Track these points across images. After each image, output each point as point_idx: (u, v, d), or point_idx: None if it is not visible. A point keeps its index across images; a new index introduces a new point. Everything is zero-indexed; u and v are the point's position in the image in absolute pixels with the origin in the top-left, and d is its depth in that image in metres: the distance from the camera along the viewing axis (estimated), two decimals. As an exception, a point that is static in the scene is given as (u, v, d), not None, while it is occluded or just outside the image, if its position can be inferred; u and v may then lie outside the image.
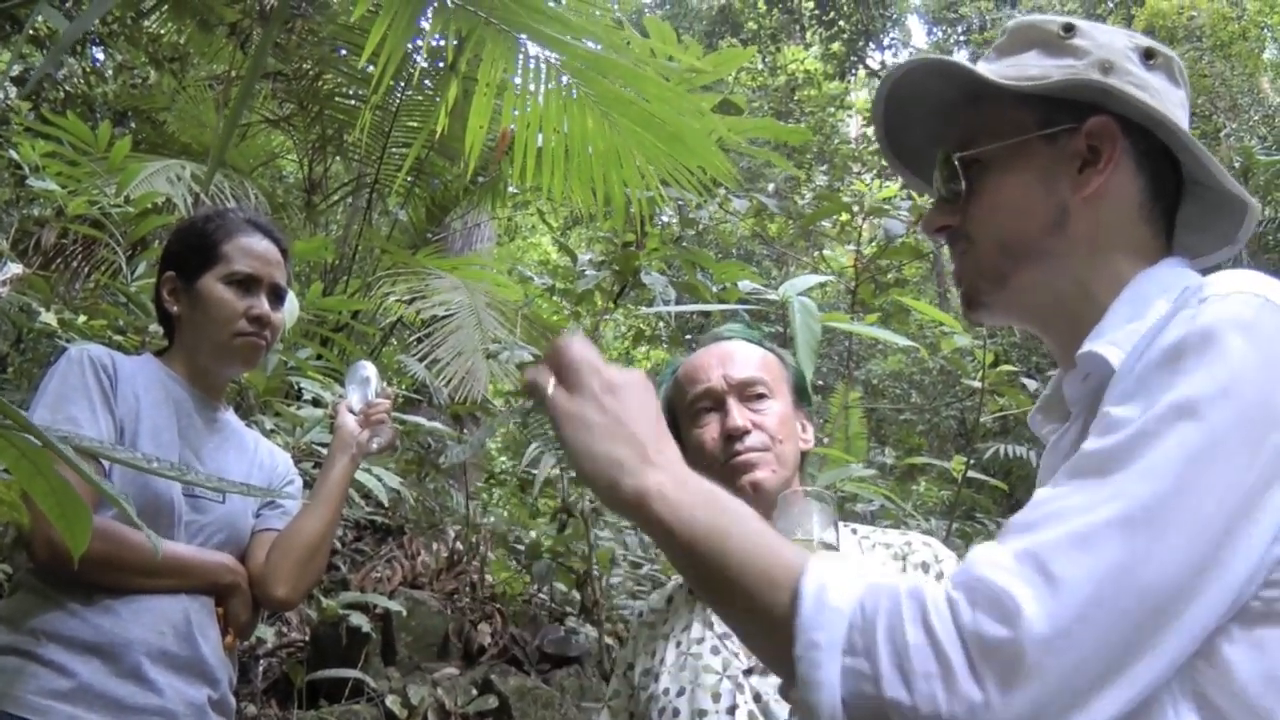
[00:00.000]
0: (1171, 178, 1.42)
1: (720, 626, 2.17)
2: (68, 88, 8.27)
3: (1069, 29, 1.44)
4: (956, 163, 1.46)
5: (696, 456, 2.26)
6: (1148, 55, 1.43)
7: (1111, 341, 1.28)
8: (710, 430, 2.25)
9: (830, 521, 1.63)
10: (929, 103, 1.52)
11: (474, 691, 5.00)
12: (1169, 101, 1.40)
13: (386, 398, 2.85)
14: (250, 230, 2.71)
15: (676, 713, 2.11)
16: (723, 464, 2.21)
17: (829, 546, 1.61)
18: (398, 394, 6.74)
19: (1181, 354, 1.11)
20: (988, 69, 1.46)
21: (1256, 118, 17.31)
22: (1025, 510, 1.11)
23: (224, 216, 2.75)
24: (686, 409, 2.31)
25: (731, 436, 2.22)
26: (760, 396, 2.28)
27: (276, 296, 2.71)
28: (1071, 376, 1.35)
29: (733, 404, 2.26)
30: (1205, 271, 1.34)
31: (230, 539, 2.61)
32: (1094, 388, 1.30)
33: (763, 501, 2.13)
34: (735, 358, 2.32)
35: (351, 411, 2.80)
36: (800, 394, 2.39)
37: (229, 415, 2.79)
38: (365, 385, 2.85)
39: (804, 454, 2.33)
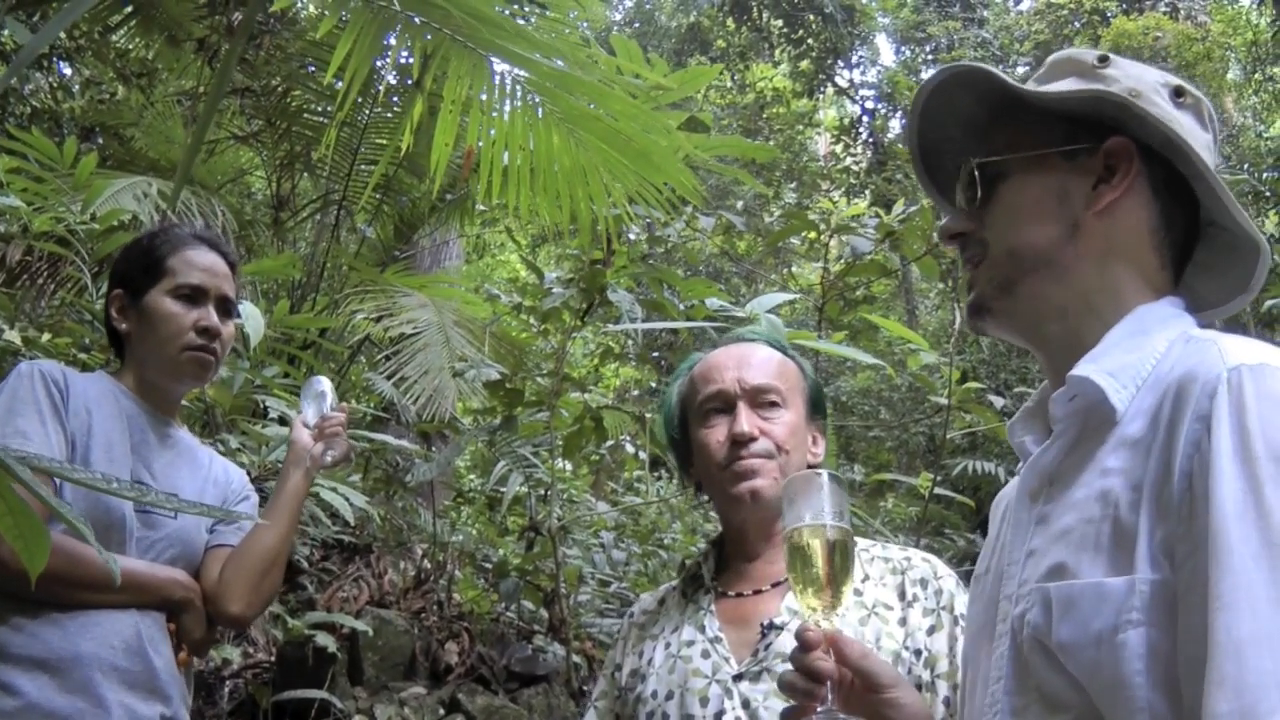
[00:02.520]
0: (1185, 213, 1.44)
1: (711, 630, 2.15)
2: (34, 103, 8.22)
3: (1104, 60, 1.48)
4: (976, 171, 1.49)
5: (701, 457, 2.27)
6: (1177, 94, 1.46)
7: (1108, 371, 1.31)
8: (717, 433, 2.23)
9: (842, 504, 1.62)
10: (961, 118, 1.55)
11: (441, 711, 4.98)
12: (1194, 141, 1.42)
13: (342, 412, 2.83)
14: (196, 244, 2.69)
15: (665, 717, 2.10)
16: (724, 468, 2.20)
17: (841, 529, 1.60)
18: (365, 411, 6.73)
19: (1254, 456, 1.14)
20: (1030, 89, 1.49)
21: (1221, 137, 17.44)
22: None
23: (169, 232, 2.74)
24: (697, 408, 2.30)
25: (738, 441, 2.19)
26: (773, 404, 2.25)
27: (225, 309, 2.69)
28: (1059, 394, 1.36)
29: (743, 408, 2.23)
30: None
31: (183, 554, 2.58)
32: (1080, 409, 1.34)
33: (761, 510, 2.15)
34: (752, 361, 2.29)
35: (306, 426, 2.79)
36: (816, 406, 2.35)
37: (182, 432, 2.77)
38: (320, 400, 2.83)
39: (812, 468, 2.26)
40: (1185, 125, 1.43)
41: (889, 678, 1.52)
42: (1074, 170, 1.43)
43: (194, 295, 2.62)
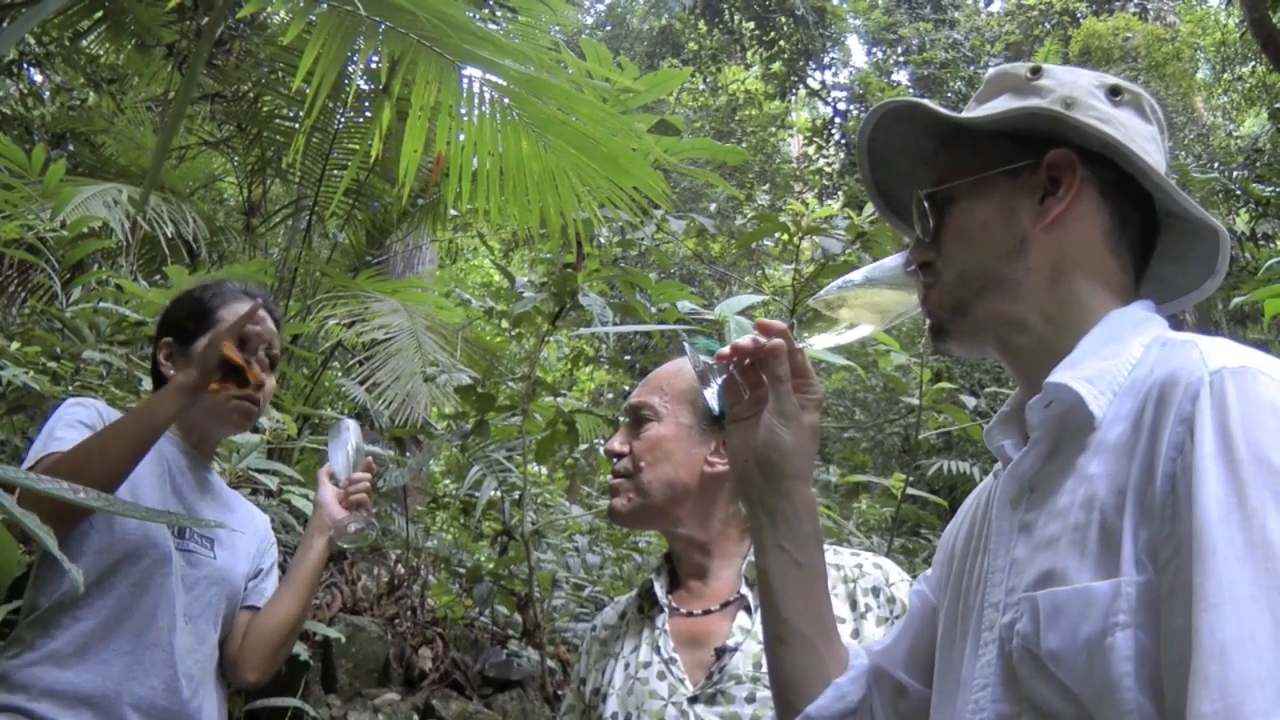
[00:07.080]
0: (1139, 209, 1.44)
1: (666, 650, 2.15)
2: (4, 110, 8.17)
3: (1036, 71, 1.48)
4: (925, 201, 1.50)
5: None
6: (1114, 92, 1.46)
7: (1085, 378, 1.31)
8: None
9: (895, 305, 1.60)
10: (909, 151, 1.57)
11: (415, 717, 4.97)
12: (1137, 135, 1.43)
13: (368, 469, 2.82)
14: (245, 299, 2.76)
15: None
16: None
17: (835, 302, 1.58)
18: (336, 418, 6.71)
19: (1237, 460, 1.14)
20: (963, 115, 1.50)
21: (1191, 136, 17.62)
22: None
23: (221, 286, 2.83)
24: None
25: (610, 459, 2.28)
26: (643, 420, 2.27)
27: (270, 363, 2.75)
28: (1035, 401, 1.36)
29: (624, 427, 2.29)
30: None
31: (224, 591, 2.66)
32: (1057, 414, 1.34)
33: (631, 524, 2.23)
34: (650, 378, 2.34)
35: (333, 479, 2.80)
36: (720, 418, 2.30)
37: (215, 476, 2.85)
38: (346, 448, 2.82)
39: (715, 479, 2.23)
40: (1126, 123, 1.43)
41: (793, 468, 1.51)
42: (1018, 187, 1.44)
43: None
